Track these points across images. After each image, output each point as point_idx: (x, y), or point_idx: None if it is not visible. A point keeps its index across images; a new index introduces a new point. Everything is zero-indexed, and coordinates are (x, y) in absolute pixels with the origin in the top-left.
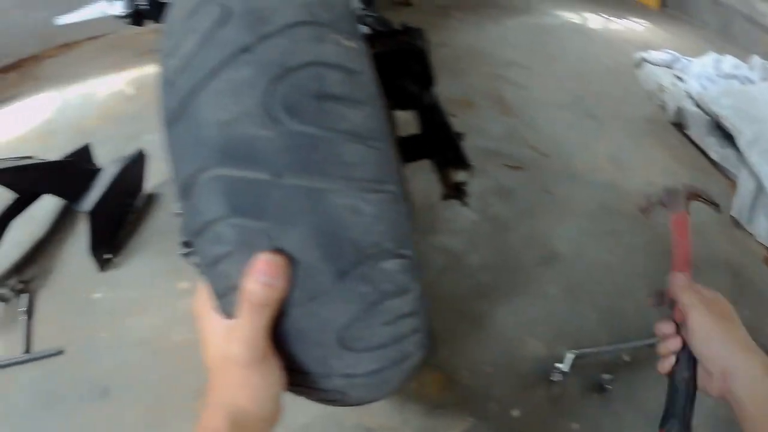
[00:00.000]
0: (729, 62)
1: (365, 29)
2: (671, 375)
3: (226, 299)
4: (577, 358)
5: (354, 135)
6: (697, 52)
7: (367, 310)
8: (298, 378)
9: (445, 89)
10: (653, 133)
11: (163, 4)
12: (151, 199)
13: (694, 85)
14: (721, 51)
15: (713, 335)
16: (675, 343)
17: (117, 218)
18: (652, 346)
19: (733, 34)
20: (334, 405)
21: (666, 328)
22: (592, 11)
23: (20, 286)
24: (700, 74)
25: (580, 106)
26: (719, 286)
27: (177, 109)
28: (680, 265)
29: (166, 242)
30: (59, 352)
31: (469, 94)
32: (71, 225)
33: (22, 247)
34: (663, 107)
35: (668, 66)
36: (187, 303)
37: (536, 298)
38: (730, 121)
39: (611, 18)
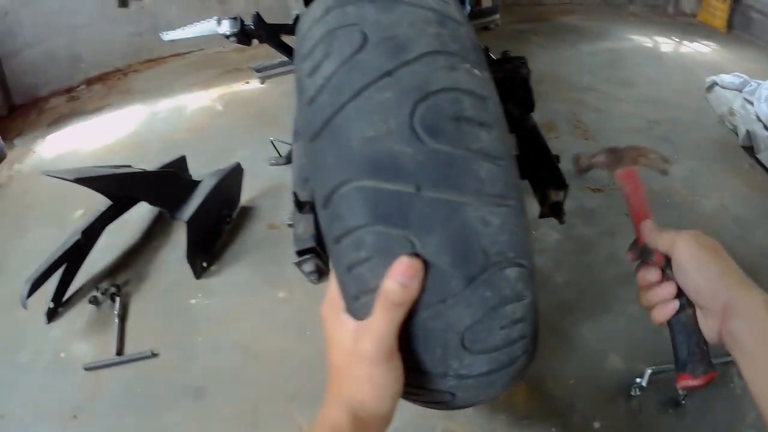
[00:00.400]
0: None
1: None
2: (670, 322)
3: (358, 301)
4: (654, 373)
5: (485, 154)
6: (766, 75)
7: (488, 314)
8: (416, 378)
9: None
10: (724, 157)
11: (269, 26)
12: (245, 211)
13: (763, 109)
14: None
15: (707, 266)
16: (668, 288)
17: (214, 228)
18: (726, 364)
19: None
20: (437, 408)
21: (650, 274)
22: (663, 35)
23: (113, 290)
24: None
25: (654, 130)
26: None
27: (320, 125)
28: (642, 214)
29: (261, 253)
30: (153, 355)
31: (551, 117)
32: (165, 233)
33: (115, 253)
34: (734, 131)
35: (738, 89)
36: (285, 311)
37: (617, 315)
38: None
39: (682, 41)
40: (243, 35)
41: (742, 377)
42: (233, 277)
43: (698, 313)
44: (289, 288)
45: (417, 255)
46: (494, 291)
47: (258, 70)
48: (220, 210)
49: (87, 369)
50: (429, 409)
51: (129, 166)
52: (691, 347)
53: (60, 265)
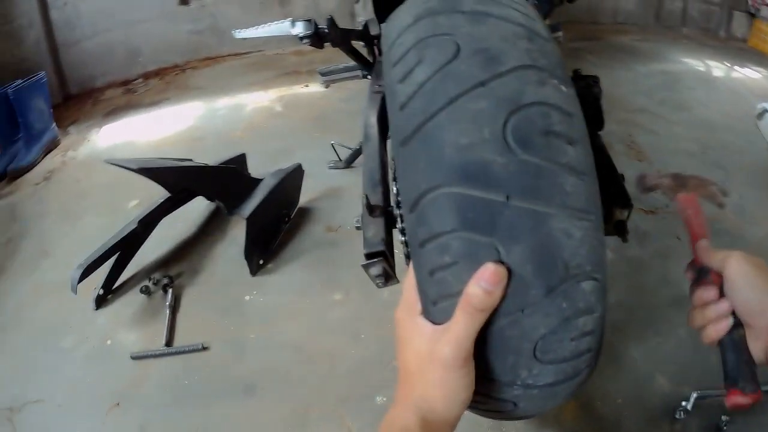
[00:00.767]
0: None
1: None
2: (722, 340)
3: (437, 306)
4: (700, 398)
5: (571, 168)
6: None
7: (562, 325)
8: (483, 385)
9: None
10: None
11: (341, 30)
12: (304, 212)
13: None
14: None
15: (756, 282)
16: (723, 305)
17: (272, 227)
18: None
19: None
20: (496, 417)
21: (706, 293)
22: (715, 59)
23: (166, 281)
24: None
25: (708, 155)
26: None
27: (413, 130)
28: (700, 234)
29: (317, 255)
30: (204, 348)
31: (605, 137)
32: (221, 228)
33: (170, 244)
34: None
35: None
36: (340, 313)
37: (666, 338)
38: None
39: (733, 66)
40: (316, 38)
41: None
42: (288, 276)
43: (747, 333)
44: (344, 290)
45: (502, 262)
46: (570, 302)
47: (323, 74)
48: (279, 209)
49: (134, 358)
50: (478, 419)
51: (190, 160)
52: (741, 365)
53: (114, 253)
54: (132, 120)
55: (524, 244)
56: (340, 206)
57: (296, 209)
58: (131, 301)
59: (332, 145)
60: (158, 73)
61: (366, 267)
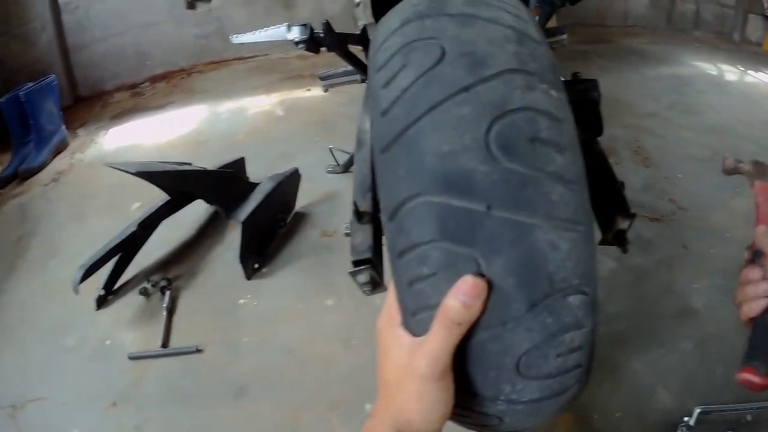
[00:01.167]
0: None
1: None
2: (755, 319)
3: (416, 317)
4: (703, 413)
5: (558, 177)
6: None
7: (546, 340)
8: (465, 399)
9: None
10: None
11: (337, 34)
12: (300, 217)
13: None
14: None
15: None
16: (763, 287)
17: (268, 231)
18: None
19: None
20: (482, 431)
21: (752, 273)
22: (728, 63)
23: (164, 283)
24: None
25: (717, 161)
26: None
27: (393, 137)
28: (764, 221)
29: (312, 259)
30: (198, 350)
31: (611, 142)
32: (219, 231)
33: (169, 247)
34: None
35: None
36: (333, 318)
37: (670, 350)
38: None
39: (747, 71)
40: (312, 43)
41: None
42: (283, 280)
43: None
44: (337, 296)
45: (482, 275)
46: (555, 317)
47: (323, 78)
48: (275, 213)
49: (131, 358)
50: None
51: (189, 164)
52: (766, 347)
53: (115, 254)
54: (138, 123)
55: (506, 256)
56: (336, 211)
57: (293, 213)
58: (130, 302)
59: (330, 149)
60: (165, 77)
61: (353, 274)
